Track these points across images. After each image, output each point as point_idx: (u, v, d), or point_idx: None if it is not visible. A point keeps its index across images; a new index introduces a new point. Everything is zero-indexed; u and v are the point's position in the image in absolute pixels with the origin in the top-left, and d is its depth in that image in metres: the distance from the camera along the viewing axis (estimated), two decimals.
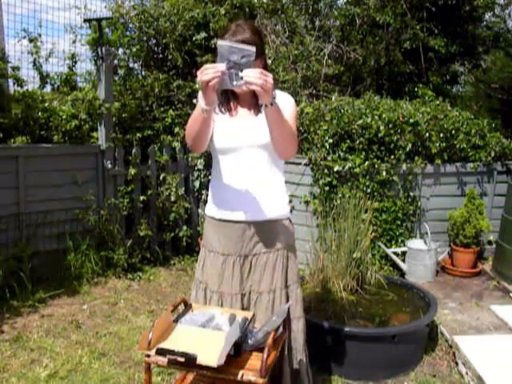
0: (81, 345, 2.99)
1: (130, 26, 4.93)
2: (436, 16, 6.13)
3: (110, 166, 4.23)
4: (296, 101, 4.77)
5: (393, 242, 4.22)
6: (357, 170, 4.04)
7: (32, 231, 3.88)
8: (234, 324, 1.61)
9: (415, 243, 4.05)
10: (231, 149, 1.86)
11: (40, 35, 4.49)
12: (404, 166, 4.17)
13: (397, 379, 2.68)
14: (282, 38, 5.30)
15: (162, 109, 4.70)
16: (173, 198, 4.44)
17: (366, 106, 4.29)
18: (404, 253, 4.10)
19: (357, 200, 3.47)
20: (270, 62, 4.82)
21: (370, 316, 2.91)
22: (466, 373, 2.67)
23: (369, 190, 4.08)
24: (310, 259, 3.46)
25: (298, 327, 1.97)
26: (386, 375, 2.69)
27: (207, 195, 2.05)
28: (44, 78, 4.56)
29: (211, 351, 1.45)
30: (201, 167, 4.62)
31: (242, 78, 1.52)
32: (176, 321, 1.69)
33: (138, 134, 4.51)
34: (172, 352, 1.49)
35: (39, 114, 4.08)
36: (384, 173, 4.10)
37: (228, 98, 1.89)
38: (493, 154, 4.46)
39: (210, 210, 1.97)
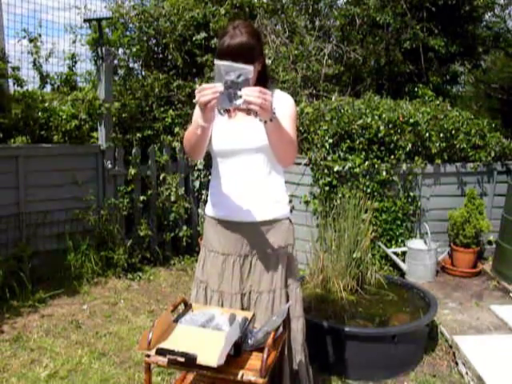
0: (81, 345, 2.99)
1: (130, 25, 4.93)
2: (436, 16, 6.13)
3: (110, 165, 4.23)
4: (296, 101, 4.79)
5: (393, 242, 4.22)
6: (357, 170, 4.04)
7: (32, 231, 3.88)
8: (234, 324, 1.61)
9: (415, 243, 4.05)
10: (230, 151, 1.86)
11: (40, 35, 4.48)
12: (404, 166, 4.17)
13: (397, 379, 2.68)
14: (282, 37, 5.30)
15: (162, 109, 4.70)
16: (173, 198, 4.44)
17: (366, 106, 4.29)
18: (404, 253, 4.10)
19: (357, 200, 3.47)
20: (269, 61, 4.82)
21: (369, 316, 2.91)
22: (466, 373, 2.67)
23: (369, 190, 4.08)
24: (310, 259, 3.46)
25: (298, 327, 1.97)
26: (386, 375, 2.69)
27: (207, 195, 2.05)
28: (44, 78, 4.55)
29: (211, 351, 1.45)
30: (201, 167, 4.62)
31: (240, 97, 1.52)
32: (176, 321, 1.69)
33: (138, 134, 4.51)
34: (172, 352, 1.49)
35: (39, 113, 4.08)
36: (384, 173, 4.10)
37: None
38: (493, 154, 4.46)
39: (210, 210, 1.97)
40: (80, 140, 4.19)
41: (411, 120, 4.18)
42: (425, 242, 4.02)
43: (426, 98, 5.71)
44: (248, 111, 1.56)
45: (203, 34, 4.74)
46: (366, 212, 3.49)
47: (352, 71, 6.18)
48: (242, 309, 1.90)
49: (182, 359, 1.47)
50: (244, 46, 1.69)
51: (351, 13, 6.16)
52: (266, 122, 1.60)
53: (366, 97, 4.70)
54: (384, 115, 4.14)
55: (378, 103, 4.41)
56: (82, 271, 3.96)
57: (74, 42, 4.94)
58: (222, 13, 4.86)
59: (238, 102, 1.53)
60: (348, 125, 4.09)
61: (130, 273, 4.15)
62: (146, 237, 4.35)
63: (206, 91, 1.53)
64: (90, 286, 3.90)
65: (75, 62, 4.90)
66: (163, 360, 1.53)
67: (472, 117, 4.69)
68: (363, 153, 4.10)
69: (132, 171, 4.30)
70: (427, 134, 4.22)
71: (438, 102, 4.90)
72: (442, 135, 4.28)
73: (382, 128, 4.07)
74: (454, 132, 4.34)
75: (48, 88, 4.69)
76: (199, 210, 4.74)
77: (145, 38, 4.88)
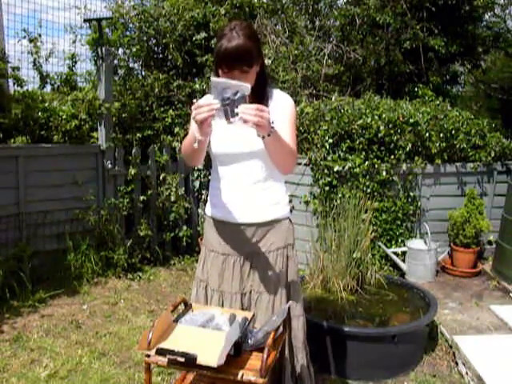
0: (81, 345, 2.99)
1: (130, 25, 4.93)
2: (436, 16, 6.13)
3: (110, 165, 4.23)
4: (296, 101, 4.79)
5: (393, 242, 4.22)
6: (357, 170, 4.04)
7: (32, 231, 3.88)
8: (234, 324, 1.61)
9: (415, 243, 4.05)
10: (229, 154, 1.85)
11: (40, 35, 4.48)
12: (404, 166, 4.17)
13: (397, 379, 2.68)
14: (282, 37, 5.30)
15: (162, 109, 4.70)
16: (173, 198, 4.44)
17: (366, 106, 4.29)
18: (404, 253, 4.10)
19: (357, 200, 3.47)
20: (269, 61, 4.82)
21: (369, 316, 2.91)
22: (466, 373, 2.67)
23: (369, 190, 4.08)
24: (310, 259, 3.46)
25: (299, 325, 1.98)
26: (386, 375, 2.69)
27: (207, 195, 2.06)
28: (44, 78, 4.55)
29: (211, 351, 1.45)
30: (201, 167, 4.62)
31: (237, 114, 1.52)
32: (176, 321, 1.69)
33: (138, 134, 4.51)
34: (172, 352, 1.49)
35: (39, 113, 4.08)
36: (384, 173, 4.10)
37: None
38: (493, 154, 4.46)
39: (210, 210, 1.98)
40: (80, 140, 4.19)
41: (411, 120, 4.18)
42: (425, 242, 4.02)
43: (426, 98, 5.70)
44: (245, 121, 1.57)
45: (203, 34, 4.74)
46: (366, 212, 3.49)
47: (352, 71, 6.19)
48: (242, 309, 1.90)
49: (182, 359, 1.47)
50: (241, 48, 1.67)
51: (351, 13, 6.16)
52: (263, 136, 1.60)
53: (366, 97, 4.70)
54: (384, 115, 4.14)
55: (378, 103, 4.41)
56: (82, 271, 3.96)
57: (74, 41, 4.94)
58: (222, 13, 4.86)
59: (235, 119, 1.53)
60: (348, 125, 4.09)
61: (129, 273, 4.15)
62: (145, 237, 4.35)
63: (203, 109, 1.53)
64: (90, 285, 3.90)
65: (75, 62, 4.90)
66: (163, 360, 1.53)
67: (472, 117, 4.69)
68: (363, 153, 4.10)
69: (132, 171, 4.30)
70: (427, 134, 4.22)
71: (437, 102, 4.90)
72: (442, 135, 4.28)
73: (382, 128, 4.07)
74: (454, 132, 4.34)
75: (48, 88, 4.70)
76: (199, 210, 4.74)
77: (145, 38, 4.88)
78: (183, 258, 4.61)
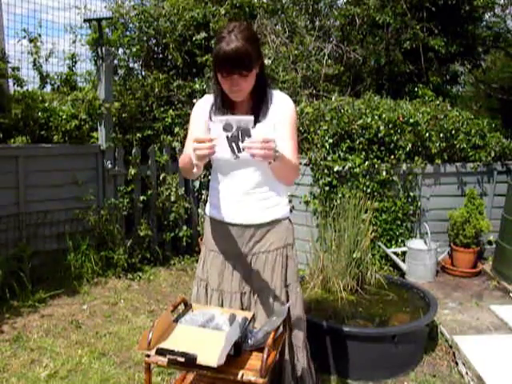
0: (81, 345, 2.99)
1: (130, 25, 4.93)
2: (436, 16, 6.13)
3: (110, 166, 4.23)
4: (296, 101, 4.78)
5: (393, 242, 4.22)
6: (357, 170, 4.04)
7: (32, 231, 3.88)
8: (234, 324, 1.61)
9: (415, 243, 4.05)
10: (227, 160, 1.81)
11: (40, 35, 4.48)
12: (404, 166, 4.17)
13: (397, 379, 2.68)
14: (282, 38, 5.30)
15: (162, 109, 4.70)
16: (173, 198, 4.44)
17: (366, 106, 4.29)
18: (404, 253, 4.10)
19: (357, 200, 3.47)
20: (269, 62, 4.82)
21: (369, 316, 2.91)
22: (466, 373, 2.67)
23: (369, 190, 4.08)
24: (310, 259, 3.46)
25: (299, 324, 1.98)
26: (386, 375, 2.69)
27: (207, 195, 2.06)
28: (44, 78, 4.55)
29: (211, 351, 1.45)
30: None
31: (243, 149, 1.52)
32: (176, 321, 1.69)
33: (138, 134, 4.51)
34: (172, 352, 1.49)
35: (39, 114, 4.08)
36: (384, 173, 4.10)
37: (224, 111, 1.83)
38: (493, 154, 4.46)
39: (210, 210, 1.98)
40: (80, 140, 4.19)
41: (411, 120, 4.18)
42: (425, 242, 4.02)
43: (426, 98, 5.71)
44: (249, 109, 1.57)
45: (203, 34, 4.74)
46: (366, 212, 3.49)
47: (352, 71, 6.19)
48: (242, 308, 1.91)
49: (182, 359, 1.47)
50: (240, 52, 1.64)
51: (351, 13, 6.16)
52: (269, 162, 1.61)
53: (366, 97, 4.69)
54: (384, 115, 4.14)
55: (378, 103, 4.41)
56: (82, 271, 3.96)
57: (74, 41, 4.93)
58: (222, 13, 4.86)
59: (242, 154, 1.53)
60: (348, 125, 4.09)
61: (129, 273, 4.15)
62: (146, 237, 4.35)
63: (204, 145, 1.54)
64: (90, 285, 3.90)
65: (75, 62, 4.89)
66: (163, 360, 1.53)
67: (472, 117, 4.69)
68: (363, 153, 4.10)
69: (132, 171, 4.30)
70: (427, 134, 4.22)
71: (437, 102, 4.89)
72: (442, 135, 4.28)
73: (382, 128, 4.07)
74: (454, 132, 4.34)
75: (48, 88, 4.69)
76: (199, 210, 4.74)
77: (145, 38, 4.88)
78: (183, 257, 4.61)
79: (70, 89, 4.71)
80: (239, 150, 1.52)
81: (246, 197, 1.87)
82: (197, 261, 2.06)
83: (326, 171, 4.06)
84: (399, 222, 4.22)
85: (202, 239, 2.27)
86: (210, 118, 1.83)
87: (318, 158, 4.07)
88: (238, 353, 1.57)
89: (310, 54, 5.34)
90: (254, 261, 1.92)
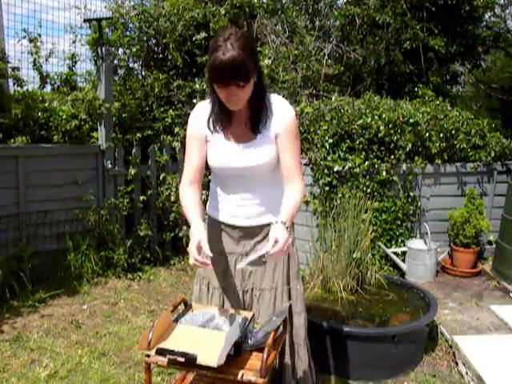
0: (81, 345, 2.99)
1: (130, 25, 4.93)
2: (436, 16, 6.12)
3: (110, 165, 4.23)
4: (296, 101, 4.77)
5: (393, 242, 4.22)
6: (357, 170, 4.04)
7: (32, 231, 3.88)
8: (234, 324, 1.61)
9: (415, 243, 4.05)
10: (228, 169, 1.84)
11: (40, 35, 4.48)
12: (404, 166, 4.17)
13: (397, 379, 2.68)
14: (282, 37, 5.30)
15: (162, 109, 4.70)
16: (173, 198, 4.44)
17: (366, 106, 4.29)
18: (404, 253, 4.10)
19: (357, 200, 3.47)
20: (269, 61, 4.81)
21: (369, 316, 2.91)
22: (466, 373, 2.67)
23: (369, 190, 4.07)
24: (310, 259, 3.46)
25: (300, 322, 1.99)
26: (386, 375, 2.69)
27: (207, 195, 2.06)
28: (44, 78, 4.55)
29: (211, 351, 1.45)
30: None
31: (265, 262, 1.60)
32: (176, 321, 1.69)
33: (138, 134, 4.51)
34: (172, 352, 1.49)
35: (39, 114, 4.08)
36: (384, 173, 4.10)
37: (221, 120, 1.79)
38: (493, 154, 4.46)
39: (211, 210, 1.99)
40: (80, 140, 4.19)
41: (411, 120, 4.18)
42: (425, 242, 4.02)
43: (426, 98, 5.70)
44: (248, 119, 1.64)
45: (203, 34, 4.74)
46: (366, 212, 3.49)
47: (352, 71, 6.18)
48: (244, 305, 1.92)
49: (182, 359, 1.47)
50: (237, 61, 1.57)
51: (351, 13, 6.15)
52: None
53: (366, 97, 4.69)
54: (384, 115, 4.14)
55: (378, 103, 4.41)
56: (82, 271, 3.96)
57: (74, 41, 4.93)
58: (222, 13, 4.87)
59: (263, 266, 1.63)
60: (348, 125, 4.09)
61: (130, 273, 4.15)
62: (145, 237, 4.35)
63: (197, 262, 1.60)
64: (90, 285, 3.90)
65: (75, 62, 4.90)
66: (163, 360, 1.53)
67: (472, 117, 4.69)
68: (363, 153, 4.10)
69: (132, 171, 4.30)
70: (427, 134, 4.22)
71: (437, 102, 4.90)
72: (442, 135, 4.28)
73: (382, 128, 4.06)
74: (454, 132, 4.34)
75: (48, 88, 4.70)
76: None
77: (145, 38, 4.88)
78: (183, 258, 4.61)
79: (70, 89, 4.71)
80: (260, 264, 1.61)
81: (246, 201, 1.88)
82: None
83: (325, 171, 4.06)
84: (399, 222, 4.22)
85: None
86: (209, 128, 1.80)
87: (318, 158, 4.07)
88: (237, 353, 1.57)
89: (310, 54, 5.34)
90: None
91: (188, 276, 4.24)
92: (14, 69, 4.22)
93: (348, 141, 4.11)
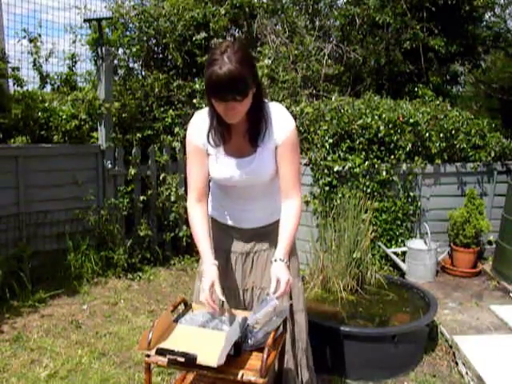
0: (81, 345, 2.99)
1: (130, 25, 4.93)
2: (436, 16, 6.12)
3: (110, 166, 4.23)
4: (296, 101, 4.76)
5: (393, 242, 4.22)
6: (357, 170, 4.04)
7: (32, 231, 3.87)
8: (234, 324, 1.61)
9: (415, 243, 4.05)
10: (229, 181, 1.83)
11: (40, 35, 4.48)
12: (404, 166, 4.17)
13: (397, 379, 2.68)
14: (282, 37, 5.30)
15: (162, 109, 4.69)
16: (173, 198, 4.44)
17: (366, 106, 4.29)
18: (404, 253, 4.10)
19: (357, 200, 3.47)
20: (269, 61, 4.81)
21: (370, 316, 2.91)
22: (466, 373, 2.67)
23: (369, 190, 4.08)
24: (310, 259, 3.46)
25: (302, 319, 2.01)
26: (386, 375, 2.69)
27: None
28: (44, 78, 4.55)
29: (211, 351, 1.45)
30: None
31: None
32: (176, 321, 1.69)
33: (138, 134, 4.50)
34: (172, 352, 1.49)
35: (39, 114, 4.08)
36: (384, 173, 4.10)
37: (221, 134, 1.76)
38: (493, 154, 4.46)
39: (211, 210, 1.99)
40: (80, 140, 4.19)
41: (411, 120, 4.18)
42: (425, 242, 4.02)
43: (426, 98, 5.70)
44: (246, 132, 1.67)
45: (203, 34, 4.74)
46: (366, 212, 3.49)
47: (352, 71, 6.18)
48: (244, 304, 1.93)
49: (182, 359, 1.47)
50: (233, 75, 1.53)
51: (351, 13, 6.15)
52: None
53: (366, 97, 4.70)
54: (384, 115, 4.14)
55: (378, 103, 4.41)
56: (82, 271, 3.96)
57: (74, 41, 4.93)
58: (222, 13, 4.87)
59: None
60: (348, 125, 4.09)
61: (130, 273, 4.15)
62: (145, 237, 4.35)
63: (208, 305, 1.64)
64: (90, 285, 3.90)
65: (75, 62, 4.89)
66: (163, 360, 1.53)
67: (472, 117, 4.69)
68: (363, 153, 4.10)
69: (132, 171, 4.30)
70: (427, 134, 4.22)
71: (437, 102, 4.90)
72: (442, 135, 4.28)
73: (382, 128, 4.07)
74: (454, 132, 4.34)
75: (48, 88, 4.69)
76: None
77: (145, 38, 4.88)
78: (183, 257, 4.61)
79: (70, 89, 4.71)
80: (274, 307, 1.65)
81: (247, 207, 1.89)
82: (197, 261, 2.08)
83: (325, 171, 4.06)
84: (399, 222, 4.22)
85: None
86: (209, 142, 1.78)
87: (318, 158, 4.07)
88: (237, 353, 1.57)
89: (310, 54, 5.34)
90: (255, 258, 1.95)
91: (188, 276, 4.24)
92: (13, 69, 4.22)
93: (348, 141, 4.11)
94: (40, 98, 4.20)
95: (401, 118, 4.15)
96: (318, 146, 4.11)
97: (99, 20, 4.32)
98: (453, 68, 6.92)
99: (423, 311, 2.89)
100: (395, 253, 4.10)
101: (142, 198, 4.39)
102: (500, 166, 4.52)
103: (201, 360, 1.45)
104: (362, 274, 3.30)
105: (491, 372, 2.57)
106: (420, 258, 3.95)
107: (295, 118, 4.29)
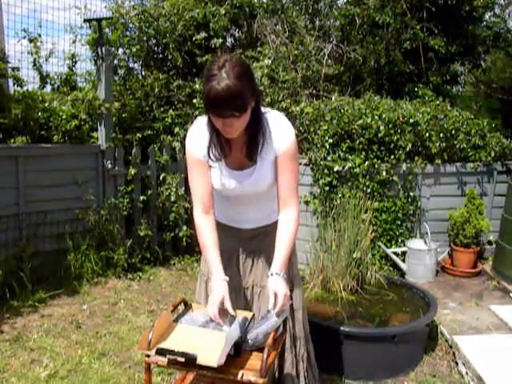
0: (81, 345, 2.99)
1: (130, 25, 4.93)
2: (436, 16, 6.12)
3: (110, 165, 4.23)
4: (296, 101, 4.75)
5: (393, 242, 4.22)
6: (357, 170, 4.04)
7: (32, 231, 3.87)
8: (234, 324, 1.61)
9: (415, 243, 4.05)
10: (228, 192, 1.84)
11: (40, 35, 4.49)
12: (404, 166, 4.17)
13: (397, 379, 2.68)
14: (281, 37, 5.30)
15: (162, 109, 4.70)
16: (173, 198, 4.44)
17: (366, 106, 4.29)
18: (404, 253, 4.10)
19: (357, 200, 3.47)
20: (269, 62, 4.81)
21: (370, 316, 2.91)
22: (466, 373, 2.67)
23: (369, 190, 4.08)
24: (310, 259, 3.46)
25: (303, 317, 2.03)
26: (386, 375, 2.69)
27: None
28: (44, 78, 4.56)
29: (211, 351, 1.45)
30: None
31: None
32: (176, 321, 1.69)
33: (138, 134, 4.51)
34: (172, 352, 1.49)
35: (39, 114, 4.08)
36: (384, 173, 4.10)
37: (221, 147, 1.75)
38: (493, 154, 4.46)
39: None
40: (80, 140, 4.19)
41: (411, 120, 4.18)
42: (425, 242, 4.02)
43: (426, 98, 5.70)
44: (244, 143, 1.69)
45: (203, 34, 4.74)
46: (366, 212, 3.49)
47: (352, 71, 6.18)
48: (246, 302, 1.94)
49: (182, 359, 1.47)
50: (232, 91, 1.50)
51: (351, 13, 6.15)
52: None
53: (366, 97, 4.70)
54: (384, 115, 4.14)
55: (378, 103, 4.41)
56: (82, 271, 3.96)
57: (74, 41, 4.94)
58: (222, 13, 4.87)
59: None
60: (348, 125, 4.09)
61: (130, 273, 4.15)
62: (145, 237, 4.35)
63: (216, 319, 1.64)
64: (90, 285, 3.90)
65: (75, 62, 4.90)
66: (163, 360, 1.53)
67: (472, 117, 4.69)
68: (363, 153, 4.10)
69: (132, 171, 4.30)
70: (427, 134, 4.22)
71: (437, 102, 4.90)
72: (442, 135, 4.28)
73: (382, 128, 4.07)
74: (454, 132, 4.34)
75: (48, 88, 4.70)
76: None
77: (145, 38, 4.88)
78: (183, 258, 4.61)
79: (70, 89, 4.72)
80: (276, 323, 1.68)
81: (247, 212, 1.90)
82: (197, 261, 2.09)
83: (325, 171, 4.06)
84: (399, 222, 4.22)
85: None
86: (209, 156, 1.77)
87: (318, 158, 4.07)
88: (237, 353, 1.57)
89: (310, 54, 5.34)
90: (256, 257, 1.96)
91: (188, 276, 4.24)
92: (13, 69, 4.22)
93: (348, 141, 4.11)
94: (40, 98, 4.20)
95: (401, 118, 4.15)
96: (318, 145, 4.11)
97: (99, 20, 4.32)
98: (453, 68, 6.92)
99: (423, 311, 2.89)
100: (395, 253, 4.10)
101: (142, 197, 4.39)
102: (500, 165, 4.52)
103: (201, 360, 1.45)
104: (362, 274, 3.30)
105: (491, 372, 2.57)
106: (420, 257, 3.95)
107: (295, 118, 4.30)
